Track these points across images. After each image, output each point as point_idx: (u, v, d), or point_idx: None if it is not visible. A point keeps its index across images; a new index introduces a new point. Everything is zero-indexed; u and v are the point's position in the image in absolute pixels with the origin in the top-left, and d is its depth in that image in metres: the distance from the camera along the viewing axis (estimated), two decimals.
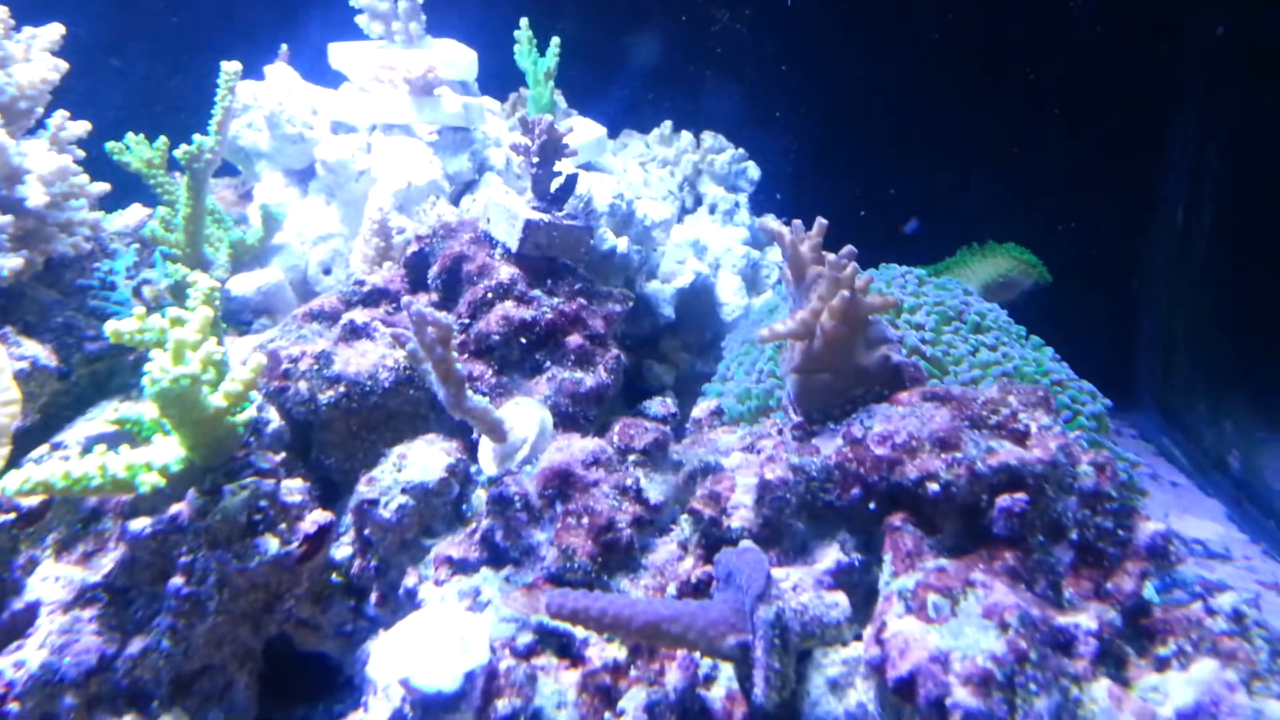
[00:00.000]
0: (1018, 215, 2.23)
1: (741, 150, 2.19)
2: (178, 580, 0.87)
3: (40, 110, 1.23)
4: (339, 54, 1.81)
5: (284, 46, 1.90)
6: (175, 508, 0.89)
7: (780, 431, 0.93)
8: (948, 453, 0.76)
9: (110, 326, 0.94)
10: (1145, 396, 2.38)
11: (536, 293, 1.08)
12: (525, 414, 0.97)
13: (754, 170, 2.17)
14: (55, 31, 1.28)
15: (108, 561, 0.90)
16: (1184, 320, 2.32)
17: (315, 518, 0.93)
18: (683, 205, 2.12)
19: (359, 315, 1.08)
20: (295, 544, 0.90)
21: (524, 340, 1.06)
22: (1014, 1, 2.37)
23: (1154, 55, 2.33)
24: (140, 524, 0.88)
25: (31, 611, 0.90)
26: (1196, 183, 2.33)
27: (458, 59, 1.83)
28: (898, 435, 0.77)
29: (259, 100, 1.66)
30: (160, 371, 0.83)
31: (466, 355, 1.07)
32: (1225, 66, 2.24)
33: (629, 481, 0.90)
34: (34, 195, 1.13)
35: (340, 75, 1.78)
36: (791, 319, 0.82)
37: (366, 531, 0.96)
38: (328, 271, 1.65)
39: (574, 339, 1.06)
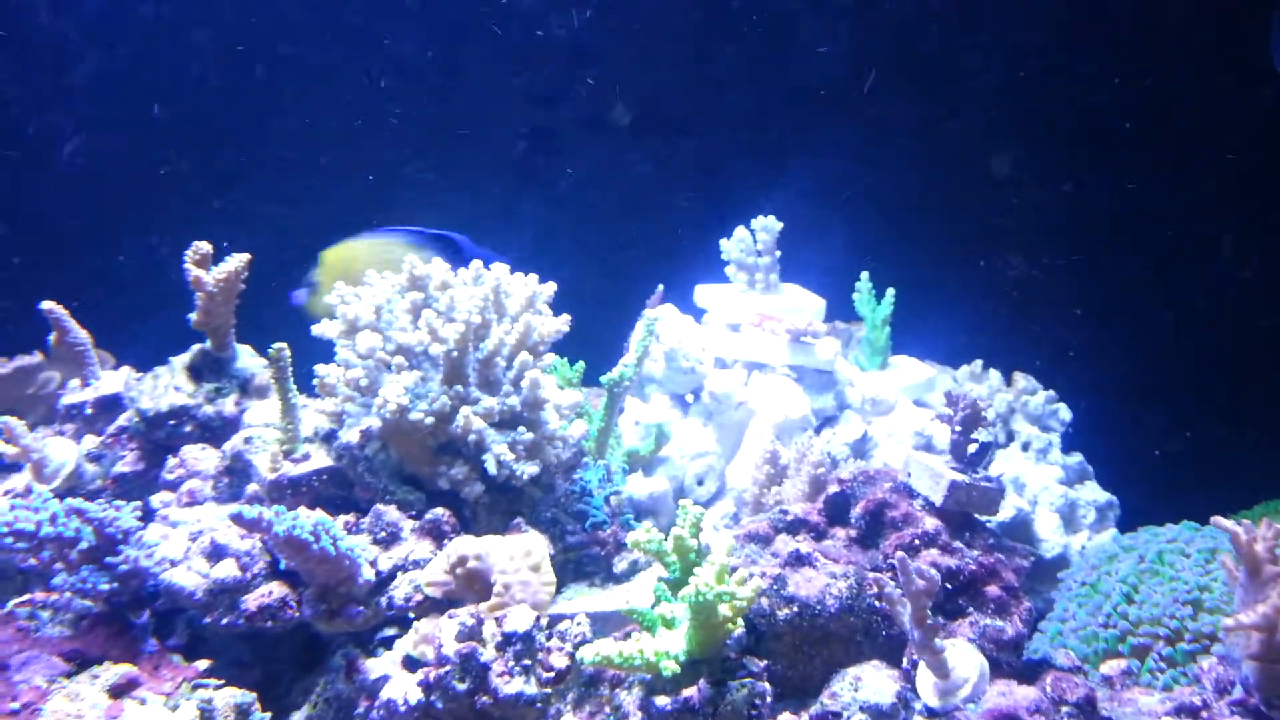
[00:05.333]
0: None
1: (1052, 392, 2.33)
2: None
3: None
4: (704, 295, 2.19)
5: (660, 287, 2.30)
6: (686, 692, 1.12)
7: (1205, 705, 1.04)
8: None
9: (631, 538, 1.23)
10: None
11: (958, 544, 1.28)
12: (964, 656, 1.14)
13: (1065, 412, 2.30)
14: (551, 288, 1.69)
15: None
16: None
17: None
18: (995, 441, 2.27)
19: (796, 544, 1.32)
20: None
21: (949, 586, 1.24)
22: None
23: None
24: (663, 701, 1.12)
25: None
26: None
27: (808, 305, 2.15)
28: None
29: (659, 337, 2.03)
30: (705, 586, 1.09)
31: None
32: None
33: None
34: (552, 421, 1.50)
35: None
36: (1253, 611, 0.96)
37: None
38: (701, 483, 1.94)
39: (992, 589, 1.23)
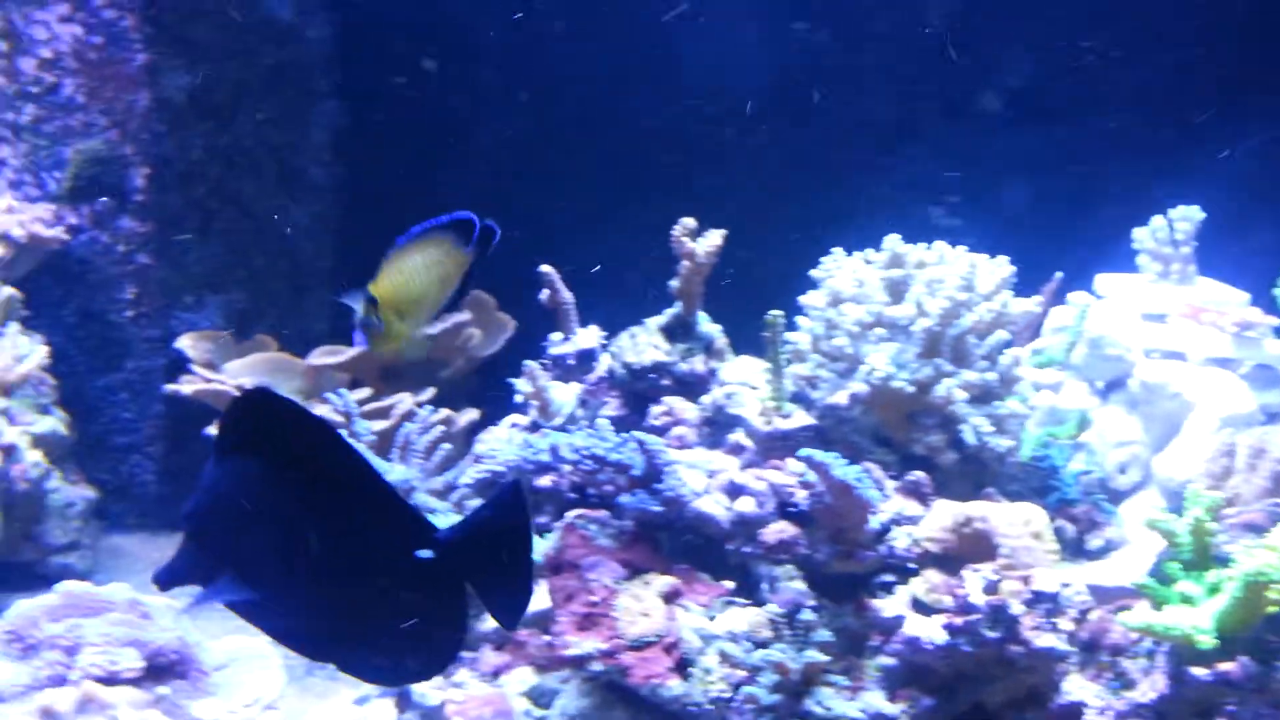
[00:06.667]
0: None
1: None
2: None
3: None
4: (1109, 283, 2.15)
5: (1058, 274, 2.28)
6: (1223, 666, 1.17)
7: None
8: None
9: (1147, 518, 1.28)
10: None
11: None
12: None
13: None
14: (1013, 269, 1.73)
15: (1147, 689, 1.21)
16: None
17: None
18: None
19: None
20: None
21: None
22: None
23: None
24: (1200, 672, 1.17)
25: (1075, 710, 1.24)
26: None
27: (1234, 298, 2.06)
28: None
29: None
30: (1271, 567, 1.12)
31: None
32: None
33: None
34: (1027, 399, 1.58)
35: None
36: None
37: None
38: (1123, 471, 1.94)
39: None
